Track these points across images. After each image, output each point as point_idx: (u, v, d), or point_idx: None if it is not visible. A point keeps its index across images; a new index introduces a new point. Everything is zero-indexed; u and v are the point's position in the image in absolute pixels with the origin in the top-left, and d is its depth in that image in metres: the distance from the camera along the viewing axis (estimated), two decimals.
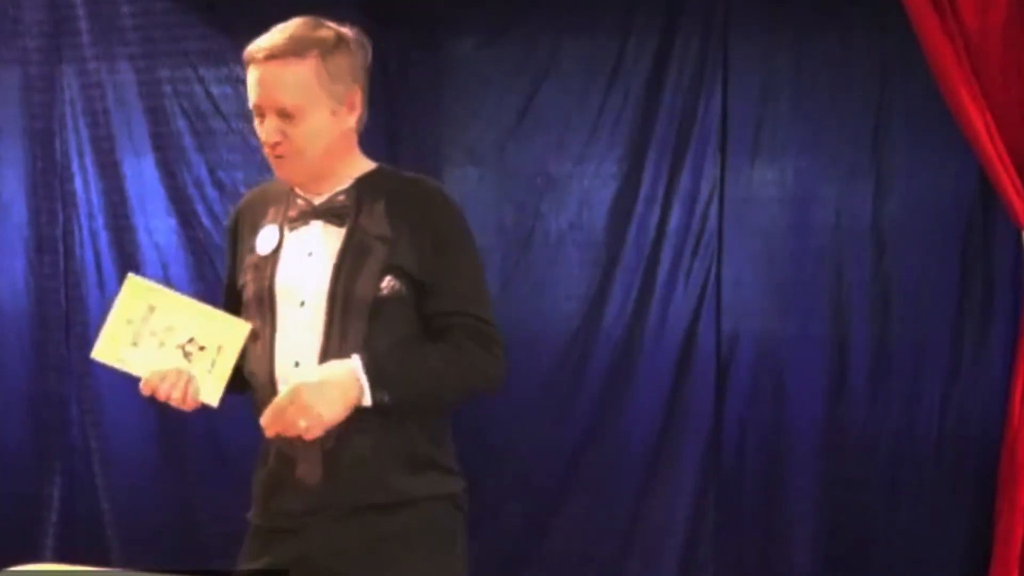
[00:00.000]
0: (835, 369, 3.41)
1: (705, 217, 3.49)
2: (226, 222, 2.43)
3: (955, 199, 3.29)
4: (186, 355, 2.16)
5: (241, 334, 2.17)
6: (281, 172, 2.20)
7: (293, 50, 2.11)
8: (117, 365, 2.18)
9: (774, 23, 3.39)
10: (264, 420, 2.09)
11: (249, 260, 2.25)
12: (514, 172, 3.64)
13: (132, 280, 2.18)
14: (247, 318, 2.22)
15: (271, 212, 2.26)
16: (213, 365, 2.15)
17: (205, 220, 3.84)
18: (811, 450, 3.43)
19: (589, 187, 3.58)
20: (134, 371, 2.17)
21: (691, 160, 3.48)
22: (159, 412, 3.92)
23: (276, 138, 2.14)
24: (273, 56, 2.11)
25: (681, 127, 3.48)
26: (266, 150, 2.18)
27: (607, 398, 3.58)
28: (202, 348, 2.16)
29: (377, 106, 3.63)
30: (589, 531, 3.62)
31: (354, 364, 2.08)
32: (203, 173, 3.83)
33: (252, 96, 2.15)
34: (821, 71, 3.37)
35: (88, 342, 3.94)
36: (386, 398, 2.09)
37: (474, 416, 3.66)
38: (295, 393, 2.06)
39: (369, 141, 3.66)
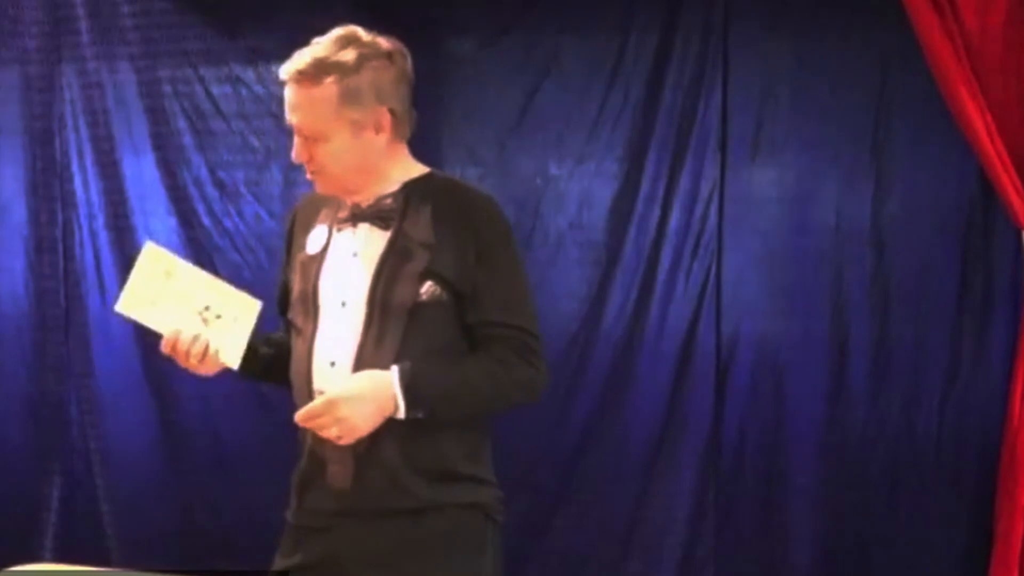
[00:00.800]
0: (835, 369, 3.41)
1: (705, 217, 3.48)
2: (286, 223, 2.46)
3: (955, 199, 3.29)
4: (204, 320, 2.19)
5: (253, 310, 2.21)
6: (317, 187, 2.25)
7: (312, 75, 2.13)
8: (140, 320, 2.21)
9: (774, 23, 3.39)
10: (298, 417, 2.13)
11: (299, 259, 2.28)
12: (514, 172, 3.64)
13: (150, 247, 2.23)
14: (293, 316, 2.26)
15: (323, 213, 2.29)
16: (230, 332, 2.19)
17: (205, 220, 3.84)
18: (811, 450, 3.43)
19: (589, 187, 3.58)
20: (156, 327, 2.20)
21: (691, 160, 3.48)
22: (159, 412, 3.93)
23: (303, 158, 2.19)
24: (296, 80, 2.15)
25: (681, 127, 3.48)
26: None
27: (607, 398, 3.58)
28: (219, 316, 2.20)
29: None
30: (589, 531, 3.62)
31: (392, 379, 2.11)
32: (203, 173, 3.83)
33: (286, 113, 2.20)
34: (821, 71, 3.37)
35: (88, 342, 3.97)
36: (420, 414, 2.12)
37: None
38: (331, 404, 2.09)
39: None
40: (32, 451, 4.10)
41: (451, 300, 2.16)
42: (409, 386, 2.10)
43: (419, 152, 3.52)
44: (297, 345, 2.25)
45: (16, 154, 4.02)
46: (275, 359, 2.32)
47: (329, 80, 2.13)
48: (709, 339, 3.51)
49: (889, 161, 3.34)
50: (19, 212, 4.04)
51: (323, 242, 2.25)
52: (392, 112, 2.18)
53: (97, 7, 3.86)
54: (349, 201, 2.24)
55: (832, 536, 3.43)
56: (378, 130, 2.18)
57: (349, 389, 2.10)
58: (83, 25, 3.88)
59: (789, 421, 3.46)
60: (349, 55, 2.15)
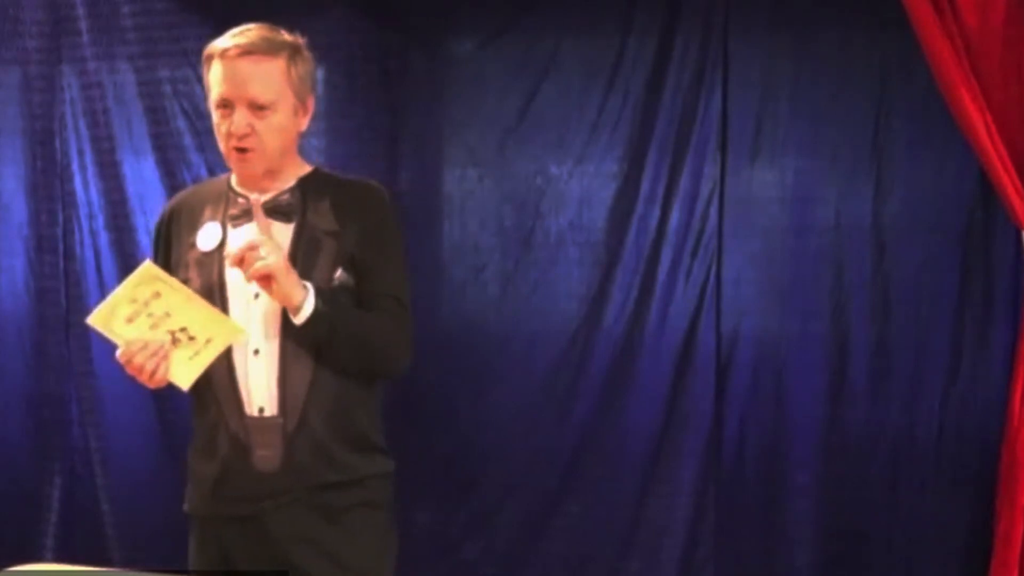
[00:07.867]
0: (835, 369, 3.41)
1: (705, 217, 3.48)
2: (155, 222, 2.48)
3: (955, 199, 3.29)
4: (174, 341, 2.22)
5: (235, 335, 2.24)
6: (242, 166, 2.29)
7: (266, 48, 2.23)
8: (107, 334, 2.23)
9: (774, 23, 3.39)
10: (241, 249, 2.16)
11: (191, 256, 2.33)
12: (514, 172, 3.64)
13: (148, 266, 2.24)
14: None
15: (208, 211, 2.35)
16: (196, 354, 2.22)
17: None
18: (811, 450, 3.43)
19: (589, 187, 3.58)
20: (120, 342, 2.22)
21: (691, 160, 3.48)
22: (159, 411, 3.93)
23: (246, 130, 2.23)
24: (249, 52, 2.22)
25: (681, 127, 3.48)
26: (230, 143, 2.25)
27: (607, 398, 3.58)
28: (192, 338, 2.22)
29: (377, 106, 3.67)
30: (589, 531, 3.62)
31: (308, 284, 2.20)
32: (203, 173, 3.82)
33: (220, 89, 2.24)
34: (821, 71, 3.37)
35: (88, 343, 3.96)
36: (321, 329, 2.19)
37: (474, 416, 3.67)
38: (280, 258, 2.16)
39: (369, 141, 3.69)
40: (32, 450, 4.10)
41: (354, 281, 2.28)
42: (320, 293, 2.20)
43: (419, 152, 3.51)
44: None
45: (16, 154, 4.02)
46: None
47: (284, 54, 2.25)
48: (709, 339, 3.51)
49: (889, 161, 3.34)
50: (19, 212, 4.04)
51: (218, 238, 2.31)
52: (313, 102, 2.32)
53: (97, 7, 3.86)
54: (242, 197, 2.31)
55: (832, 536, 3.43)
56: (306, 112, 2.31)
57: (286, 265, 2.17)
58: (83, 25, 3.87)
59: (789, 420, 3.46)
60: (292, 38, 2.29)
